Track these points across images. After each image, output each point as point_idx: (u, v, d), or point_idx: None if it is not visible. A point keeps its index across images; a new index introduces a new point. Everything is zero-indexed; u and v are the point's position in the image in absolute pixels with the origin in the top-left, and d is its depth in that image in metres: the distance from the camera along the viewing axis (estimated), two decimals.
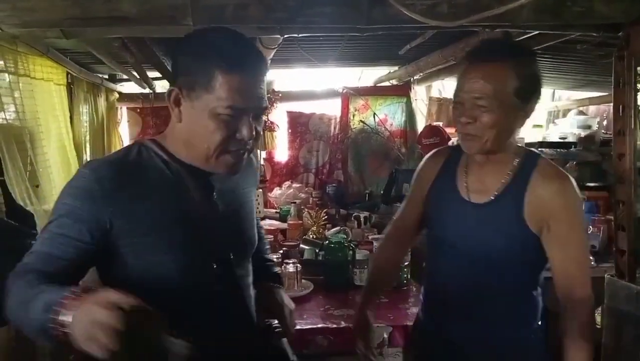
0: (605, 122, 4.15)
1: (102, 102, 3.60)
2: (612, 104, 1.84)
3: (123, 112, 4.17)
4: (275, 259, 2.18)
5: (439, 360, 1.39)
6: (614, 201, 1.73)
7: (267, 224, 3.02)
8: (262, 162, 3.70)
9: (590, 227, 2.86)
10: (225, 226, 1.13)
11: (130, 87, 4.04)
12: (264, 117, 2.85)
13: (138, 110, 4.19)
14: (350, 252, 2.30)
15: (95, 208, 0.98)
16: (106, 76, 3.76)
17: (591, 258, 2.30)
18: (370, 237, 2.67)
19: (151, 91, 3.94)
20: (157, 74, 3.40)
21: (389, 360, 1.80)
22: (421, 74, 3.64)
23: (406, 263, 2.27)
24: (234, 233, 1.16)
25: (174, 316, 0.81)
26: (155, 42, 2.66)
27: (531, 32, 1.98)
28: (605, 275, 1.88)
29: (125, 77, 3.74)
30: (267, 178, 3.91)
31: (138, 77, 3.41)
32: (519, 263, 1.29)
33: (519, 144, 1.35)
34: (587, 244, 1.31)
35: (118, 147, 3.90)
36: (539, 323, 1.36)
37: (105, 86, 3.65)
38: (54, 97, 2.59)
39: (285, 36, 1.91)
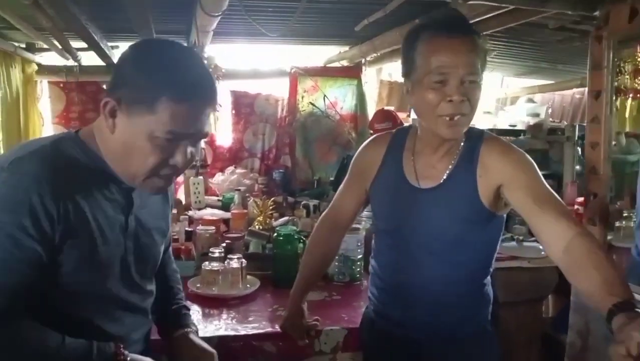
0: (550, 111, 4.23)
1: (17, 75, 3.17)
2: (558, 91, 1.75)
3: (43, 86, 3.73)
4: (218, 254, 1.98)
5: (396, 358, 1.36)
6: (585, 193, 1.64)
7: (208, 213, 2.77)
8: (202, 145, 3.42)
9: None
10: (134, 245, 1.09)
11: (51, 59, 3.61)
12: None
13: (61, 84, 3.78)
14: (301, 244, 2.11)
15: (38, 220, 0.89)
16: (23, 45, 3.32)
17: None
18: None
19: (76, 63, 3.54)
20: (83, 44, 3.02)
21: None
22: (375, 54, 3.51)
23: (359, 257, 2.13)
24: (142, 252, 1.12)
25: (81, 326, 0.90)
26: (76, 4, 2.31)
27: (507, 7, 1.85)
28: None
29: (45, 46, 3.32)
30: (208, 163, 3.65)
31: (60, 46, 3.02)
32: (472, 247, 1.27)
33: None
34: (550, 189, 1.20)
35: (37, 127, 3.49)
36: (490, 313, 1.36)
37: (20, 56, 3.21)
38: None
39: None
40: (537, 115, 3.93)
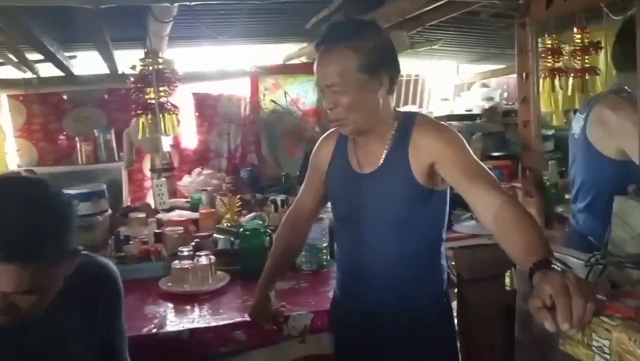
0: (506, 94, 4.38)
1: None
2: (512, 75, 1.87)
3: (2, 100, 3.69)
4: (187, 252, 2.04)
5: (356, 333, 1.45)
6: (521, 168, 1.76)
7: (176, 215, 2.81)
8: (168, 148, 3.45)
9: None
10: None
11: (8, 72, 3.57)
12: (162, 100, 2.66)
13: (21, 97, 3.74)
14: (267, 238, 2.18)
15: None
16: None
17: None
18: None
19: (35, 76, 3.51)
20: (39, 56, 3.02)
21: (311, 346, 1.72)
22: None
23: (325, 245, 2.21)
24: None
25: None
26: (30, 17, 2.32)
27: (438, 2, 1.96)
28: None
29: (1, 60, 3.29)
30: (175, 166, 3.67)
31: (16, 60, 3.01)
32: (417, 225, 1.35)
33: (401, 110, 1.40)
34: (478, 163, 1.28)
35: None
36: (445, 288, 1.45)
37: None
38: None
39: (178, 4, 1.72)
40: (492, 99, 4.07)
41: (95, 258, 1.23)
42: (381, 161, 1.35)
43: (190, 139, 4.00)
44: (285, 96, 3.93)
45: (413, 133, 1.32)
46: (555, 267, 0.96)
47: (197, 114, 3.94)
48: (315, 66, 1.31)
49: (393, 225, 1.35)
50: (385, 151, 1.35)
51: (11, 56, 2.93)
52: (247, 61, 4.08)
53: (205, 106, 3.98)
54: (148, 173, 3.77)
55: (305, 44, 3.77)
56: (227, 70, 4.02)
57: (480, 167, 1.26)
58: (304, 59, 4.09)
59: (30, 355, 1.06)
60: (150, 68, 2.52)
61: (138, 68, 2.60)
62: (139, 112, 2.58)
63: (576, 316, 0.81)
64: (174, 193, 3.37)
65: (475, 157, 1.29)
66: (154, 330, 1.63)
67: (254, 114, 3.94)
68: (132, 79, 2.67)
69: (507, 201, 1.17)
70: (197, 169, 3.64)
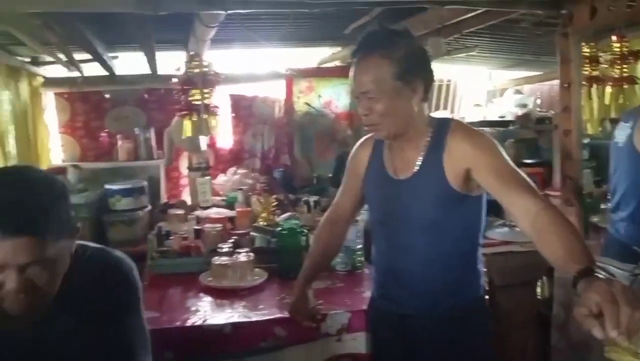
0: (539, 101, 4.34)
1: (24, 88, 3.28)
2: (546, 82, 1.88)
3: (49, 98, 3.85)
4: (227, 249, 2.11)
5: (393, 334, 1.47)
6: (561, 177, 1.77)
7: (213, 212, 2.90)
8: (204, 148, 3.55)
9: None
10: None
11: (55, 71, 3.73)
12: (206, 101, 2.75)
13: (65, 95, 3.89)
14: (304, 237, 2.24)
15: None
16: (28, 59, 3.44)
17: None
18: None
19: (79, 74, 3.65)
20: (86, 56, 3.15)
21: (348, 344, 1.76)
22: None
23: (359, 247, 2.25)
24: None
25: None
26: (82, 21, 2.44)
27: (478, 10, 1.98)
28: None
29: (49, 59, 3.44)
30: (211, 165, 3.77)
31: (65, 59, 3.14)
32: (451, 229, 1.36)
33: (437, 116, 1.42)
34: (515, 169, 1.28)
35: (44, 138, 3.60)
36: (481, 293, 1.45)
37: (26, 70, 3.33)
38: None
39: (229, 12, 1.79)
40: (525, 105, 4.05)
41: (109, 252, 1.22)
42: (416, 168, 1.37)
43: (226, 140, 4.09)
44: (318, 99, 3.99)
45: (448, 140, 1.33)
46: (599, 275, 0.97)
47: (233, 115, 4.03)
48: (351, 73, 1.34)
49: (426, 229, 1.37)
50: (420, 158, 1.37)
51: (61, 56, 3.07)
52: (279, 63, 4.15)
53: (240, 107, 4.07)
54: (184, 171, 3.88)
55: (339, 48, 3.82)
56: (261, 72, 4.09)
57: (516, 173, 1.26)
58: (337, 63, 4.13)
59: (39, 350, 1.09)
60: (196, 70, 2.61)
61: (182, 70, 2.70)
62: (184, 112, 2.67)
63: (624, 323, 0.83)
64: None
65: (511, 162, 1.29)
66: (198, 322, 1.70)
67: (288, 116, 4.01)
68: (175, 80, 2.77)
69: (546, 207, 1.17)
70: (232, 169, 3.73)
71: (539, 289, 2.65)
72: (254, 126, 4.10)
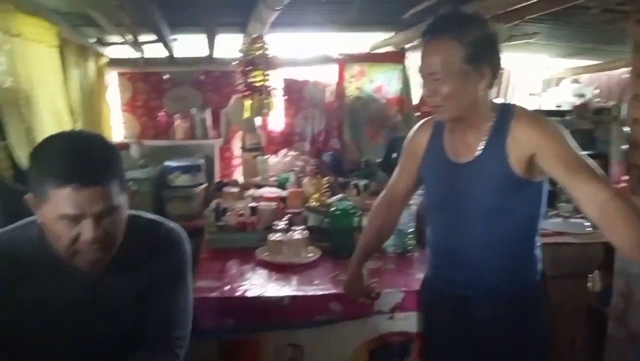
0: (597, 91, 4.19)
1: (91, 67, 3.46)
2: (605, 72, 1.83)
3: (112, 77, 4.03)
4: (283, 225, 2.19)
5: (448, 315, 1.50)
6: (627, 166, 1.74)
7: (267, 191, 2.99)
8: (257, 130, 3.64)
9: None
10: (97, 321, 1.18)
11: (117, 52, 3.90)
12: (266, 83, 2.82)
13: (128, 75, 4.07)
14: (357, 218, 2.29)
15: None
16: (94, 39, 3.61)
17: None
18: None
19: (141, 55, 3.81)
20: (149, 37, 3.28)
21: (400, 323, 1.82)
22: (418, 40, 3.56)
23: (411, 230, 2.28)
24: (108, 327, 1.19)
25: None
26: (153, 2, 2.54)
27: None
28: None
29: (112, 41, 3.60)
30: (263, 146, 3.86)
31: (133, 39, 3.29)
32: (510, 214, 1.36)
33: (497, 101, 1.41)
34: (582, 156, 1.26)
35: (107, 116, 3.79)
36: (538, 278, 1.45)
37: (94, 50, 3.51)
38: (47, 60, 2.47)
39: None
40: (583, 95, 3.93)
41: (161, 222, 1.28)
42: (478, 152, 1.37)
43: (277, 122, 4.17)
44: (370, 84, 4.00)
45: (512, 125, 1.33)
46: None
47: (285, 97, 4.10)
48: (421, 56, 1.35)
49: (486, 213, 1.37)
50: (482, 142, 1.37)
51: (128, 37, 3.21)
52: (331, 48, 4.17)
53: (293, 90, 4.13)
54: (237, 151, 3.99)
55: (393, 33, 3.80)
56: (314, 56, 4.13)
57: (582, 160, 1.24)
58: (390, 48, 4.12)
59: (93, 311, 1.17)
60: (259, 52, 2.68)
61: (243, 51, 2.77)
62: (246, 93, 2.75)
63: None
64: None
65: (578, 149, 1.27)
66: (258, 293, 1.79)
67: (339, 100, 4.04)
68: (236, 62, 2.84)
69: (615, 195, 1.16)
70: (284, 150, 3.82)
71: (589, 284, 2.62)
72: (305, 110, 4.16)
